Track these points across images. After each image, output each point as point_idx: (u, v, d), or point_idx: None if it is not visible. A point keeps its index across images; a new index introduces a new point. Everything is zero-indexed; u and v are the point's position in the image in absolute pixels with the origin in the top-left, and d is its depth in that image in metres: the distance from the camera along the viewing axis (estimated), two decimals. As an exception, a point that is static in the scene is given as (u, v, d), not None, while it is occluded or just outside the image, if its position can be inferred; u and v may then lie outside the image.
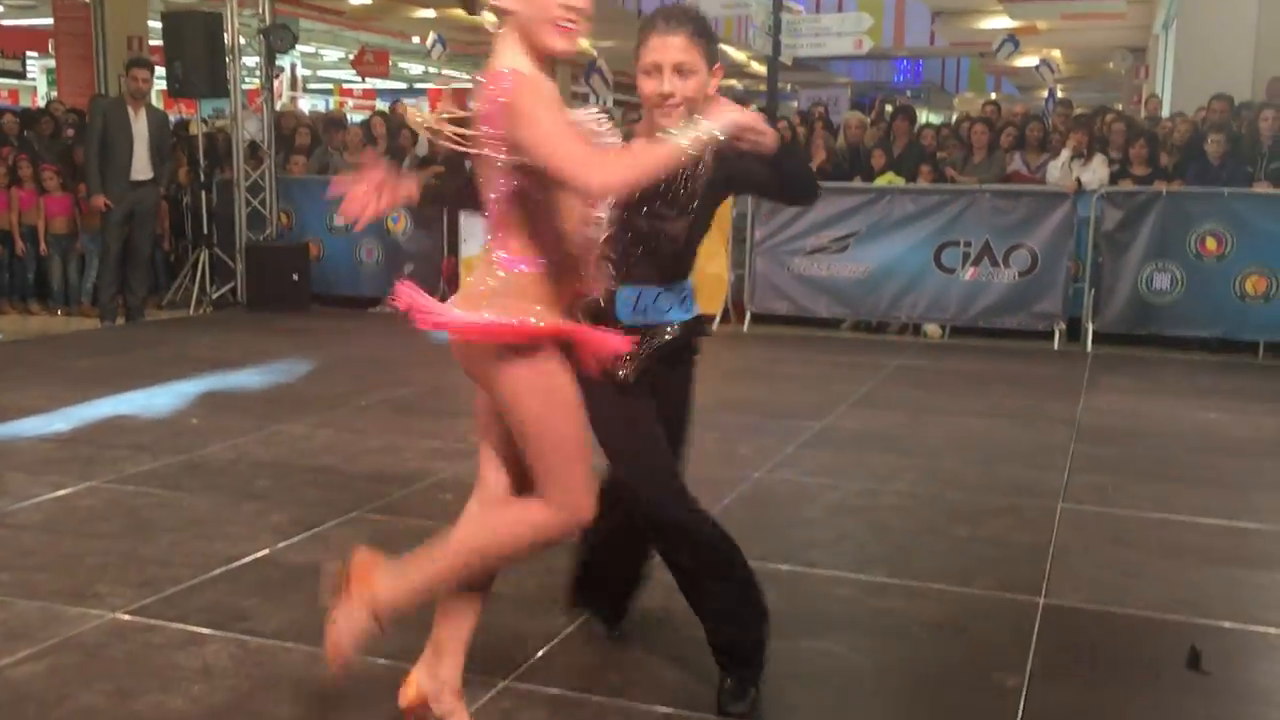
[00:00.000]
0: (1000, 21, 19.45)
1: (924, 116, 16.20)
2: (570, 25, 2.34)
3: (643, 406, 2.90)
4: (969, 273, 8.95)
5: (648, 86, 2.69)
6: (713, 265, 9.48)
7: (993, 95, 22.91)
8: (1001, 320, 8.93)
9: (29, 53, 19.13)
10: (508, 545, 2.53)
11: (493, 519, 2.58)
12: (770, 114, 11.15)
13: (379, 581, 2.55)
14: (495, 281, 2.41)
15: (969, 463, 5.33)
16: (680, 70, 2.66)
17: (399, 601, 2.55)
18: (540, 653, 3.23)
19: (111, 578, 3.72)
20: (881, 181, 9.41)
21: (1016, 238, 8.83)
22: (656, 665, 3.18)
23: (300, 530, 4.23)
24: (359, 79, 27.22)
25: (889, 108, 11.84)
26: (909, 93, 26.08)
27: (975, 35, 21.29)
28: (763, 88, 27.09)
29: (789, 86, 23.83)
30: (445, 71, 30.22)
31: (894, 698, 3.07)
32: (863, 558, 4.04)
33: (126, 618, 3.41)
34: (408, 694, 2.68)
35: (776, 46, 11.02)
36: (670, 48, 2.65)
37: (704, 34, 2.70)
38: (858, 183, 9.51)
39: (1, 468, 4.96)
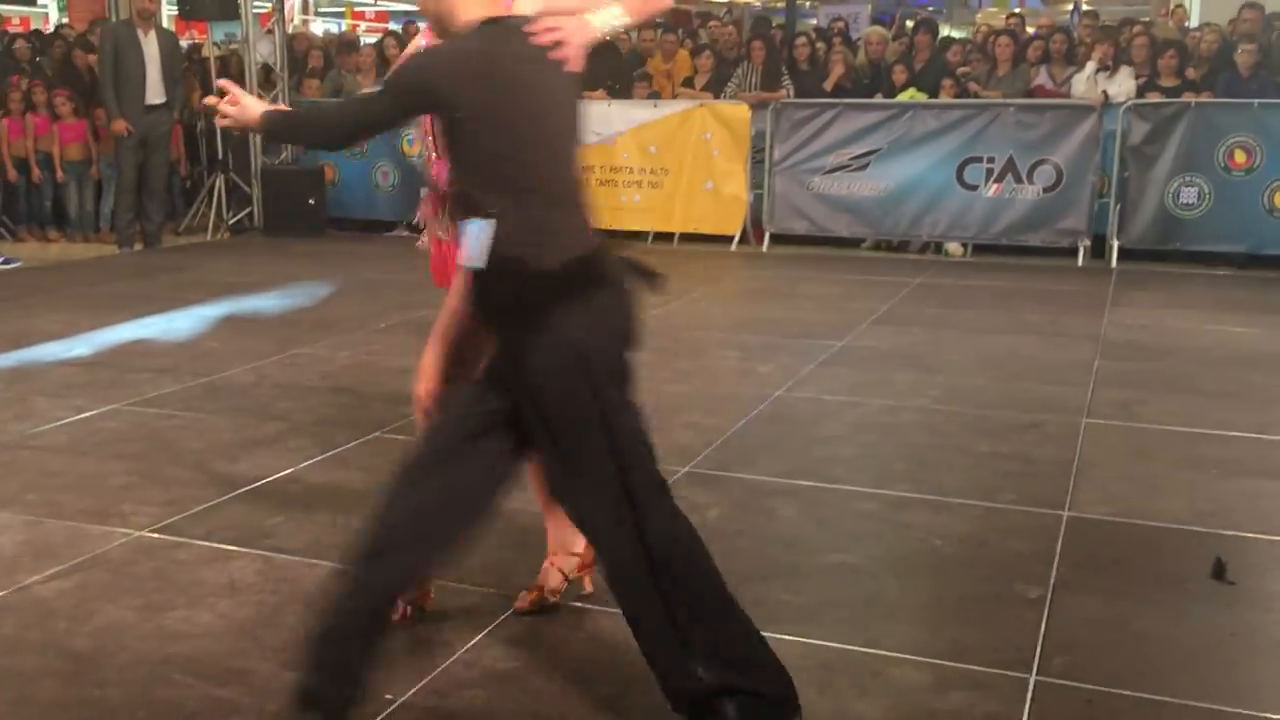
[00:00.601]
0: (1025, -68, 18.91)
1: (945, 32, 15.84)
2: None
3: None
4: (992, 189, 8.82)
5: None
6: (731, 185, 9.39)
7: (1016, 9, 22.40)
8: (1025, 238, 8.82)
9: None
10: None
11: None
12: (789, 29, 10.94)
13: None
14: None
15: (992, 379, 5.29)
16: None
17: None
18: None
19: (136, 497, 3.75)
20: (903, 98, 9.24)
21: (1041, 153, 8.68)
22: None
23: (321, 451, 4.25)
24: (370, 1, 26.81)
25: (910, 23, 11.59)
26: (930, 8, 25.51)
27: (999, -53, 20.76)
28: (780, 4, 26.57)
29: (807, 3, 23.34)
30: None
31: (917, 608, 3.07)
32: (885, 473, 4.03)
33: (152, 535, 3.44)
34: (552, 581, 2.99)
35: (796, -41, 10.73)
36: None
37: None
38: (878, 99, 9.34)
39: (25, 391, 4.99)
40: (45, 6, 21.67)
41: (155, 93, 9.06)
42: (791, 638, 2.81)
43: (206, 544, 3.36)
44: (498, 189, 2.26)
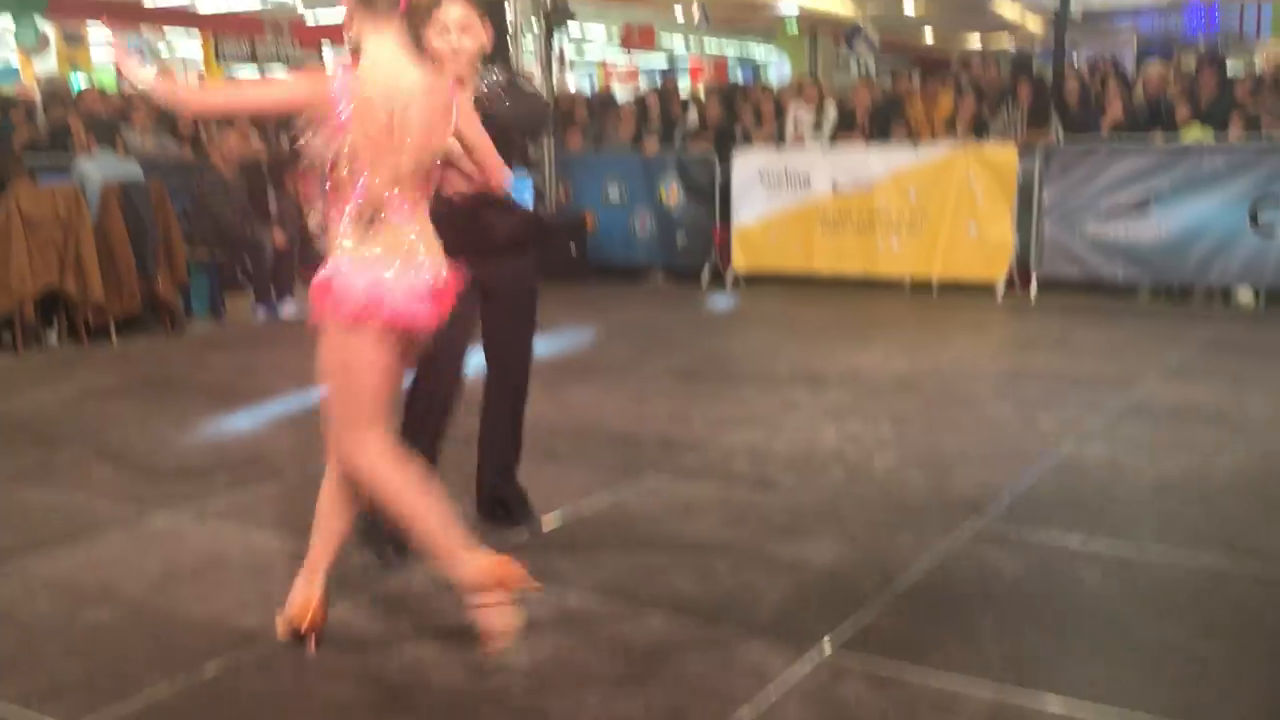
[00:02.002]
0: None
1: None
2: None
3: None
4: (1291, 233, 8.16)
5: (445, 42, 3.38)
6: (996, 230, 9.07)
7: (1304, 39, 20.81)
8: (1330, 285, 8.10)
9: (324, 42, 20.53)
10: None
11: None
12: (1056, 71, 10.53)
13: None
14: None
15: (1308, 439, 4.84)
16: (467, 28, 3.39)
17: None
18: (853, 619, 3.13)
19: (432, 533, 3.88)
20: (1187, 136, 8.70)
21: (1348, 193, 7.97)
22: (982, 639, 3.03)
23: (601, 491, 4.31)
24: (624, 55, 27.62)
25: (1189, 58, 10.96)
26: (1200, 41, 24.07)
27: (1283, -26, 19.38)
28: (1036, 46, 25.67)
29: (1069, 43, 22.48)
30: (706, 45, 30.30)
31: (1256, 691, 2.79)
32: (1197, 539, 3.72)
33: (449, 570, 3.54)
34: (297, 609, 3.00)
35: (1065, -2, 10.36)
36: (462, 13, 3.39)
37: (477, 3, 3.41)
38: (1159, 138, 8.84)
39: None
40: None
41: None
42: (1118, 710, 2.61)
43: (501, 582, 3.44)
44: None
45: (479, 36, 3.45)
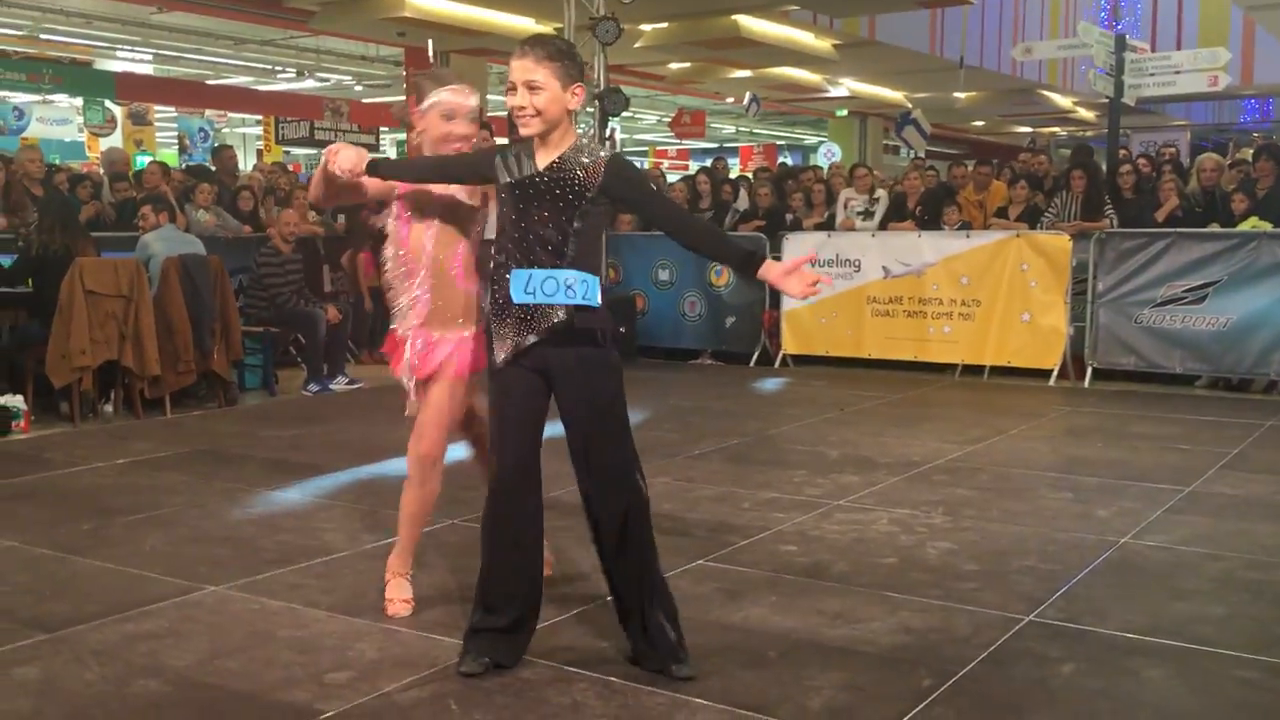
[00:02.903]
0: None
1: None
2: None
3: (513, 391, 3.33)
4: (1353, 324, 8.02)
5: (508, 100, 3.14)
6: (1049, 317, 9.01)
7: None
8: (1394, 378, 7.93)
9: (382, 127, 21.02)
10: None
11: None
12: (1111, 158, 10.54)
13: None
14: None
15: (1378, 536, 4.70)
16: (531, 86, 3.07)
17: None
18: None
19: (479, 612, 3.85)
20: (1245, 227, 8.63)
21: None
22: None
23: (650, 575, 4.24)
24: (673, 140, 28.03)
25: (1246, 150, 10.92)
26: (1256, 134, 24.01)
27: (1338, 67, 19.38)
28: (1088, 133, 25.78)
29: (1122, 132, 22.52)
30: (755, 130, 30.72)
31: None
32: (1266, 637, 3.60)
33: (496, 651, 3.50)
34: None
35: (1119, 88, 10.39)
36: (521, 68, 3.09)
37: (556, 57, 3.09)
38: (1215, 228, 8.77)
39: (375, 504, 5.32)
40: (385, 151, 24.03)
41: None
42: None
43: (549, 664, 3.40)
44: None
45: (558, 97, 3.10)
